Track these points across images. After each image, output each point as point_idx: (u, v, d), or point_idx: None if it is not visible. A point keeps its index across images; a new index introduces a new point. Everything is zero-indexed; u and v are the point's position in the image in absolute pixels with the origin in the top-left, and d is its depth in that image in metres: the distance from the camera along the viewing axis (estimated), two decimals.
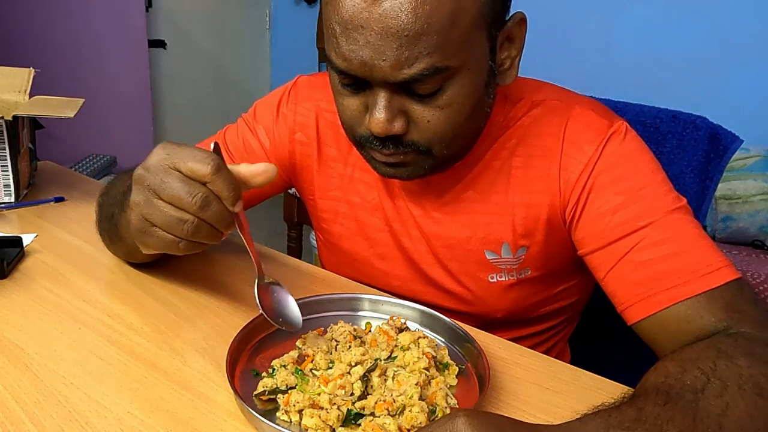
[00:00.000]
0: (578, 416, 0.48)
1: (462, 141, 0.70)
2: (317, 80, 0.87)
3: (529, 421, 0.57)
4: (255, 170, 0.62)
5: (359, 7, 0.58)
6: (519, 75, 0.71)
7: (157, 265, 0.85)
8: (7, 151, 1.08)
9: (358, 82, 0.64)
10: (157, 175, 0.58)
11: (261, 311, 0.63)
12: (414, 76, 0.60)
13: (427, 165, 0.69)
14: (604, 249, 0.69)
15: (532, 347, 0.73)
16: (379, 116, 0.63)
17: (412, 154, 0.67)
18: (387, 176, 0.72)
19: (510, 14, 0.67)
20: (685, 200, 0.69)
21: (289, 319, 0.65)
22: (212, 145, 0.62)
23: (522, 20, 0.67)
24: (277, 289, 0.67)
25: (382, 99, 0.63)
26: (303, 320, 0.71)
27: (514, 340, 0.73)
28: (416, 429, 0.51)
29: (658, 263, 0.65)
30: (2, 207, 1.07)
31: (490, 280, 0.79)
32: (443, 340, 0.68)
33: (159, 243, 0.60)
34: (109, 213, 0.78)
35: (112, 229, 0.77)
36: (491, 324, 0.80)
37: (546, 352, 0.84)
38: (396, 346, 0.63)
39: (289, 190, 0.94)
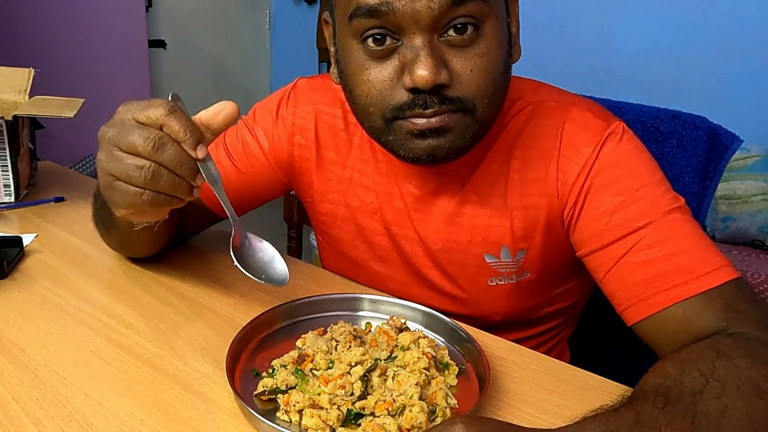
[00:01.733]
0: (577, 419, 0.48)
1: (498, 99, 0.67)
2: (317, 83, 0.87)
3: (529, 421, 0.57)
4: (213, 110, 0.61)
5: None
6: (518, 75, 0.71)
7: (157, 264, 0.85)
8: (7, 151, 1.08)
9: (390, 33, 0.62)
10: (116, 127, 0.58)
11: (235, 262, 0.61)
12: None
13: (469, 132, 0.65)
14: (602, 250, 0.69)
15: (531, 348, 0.73)
16: (425, 65, 0.59)
17: (456, 115, 0.64)
18: (424, 155, 0.66)
19: None
20: (683, 200, 0.69)
21: (273, 276, 0.63)
22: (170, 95, 0.61)
23: None
24: (259, 243, 0.65)
25: (424, 47, 0.60)
26: (302, 320, 0.71)
27: (513, 342, 0.73)
28: None
29: (656, 264, 0.65)
30: (2, 207, 1.07)
31: (490, 284, 0.79)
32: (443, 340, 0.68)
33: (124, 198, 0.58)
34: (102, 203, 0.78)
35: (105, 215, 0.78)
36: (490, 327, 0.80)
37: (545, 353, 0.84)
38: (396, 346, 0.63)
39: (290, 191, 0.94)
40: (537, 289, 0.80)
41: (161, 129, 0.57)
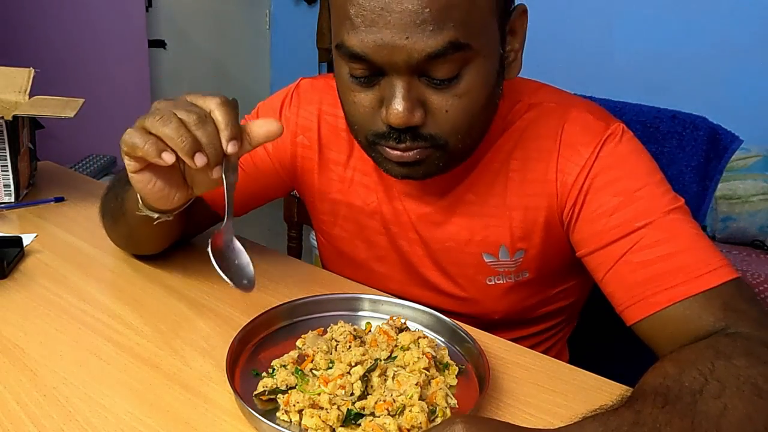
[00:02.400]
0: (577, 419, 0.48)
1: (475, 134, 0.68)
2: (319, 83, 0.87)
3: (529, 421, 0.57)
4: (259, 122, 0.63)
5: None
6: (518, 76, 0.71)
7: (157, 264, 0.85)
8: (7, 151, 1.08)
9: (372, 73, 0.62)
10: (170, 101, 0.62)
11: (211, 258, 0.61)
12: (438, 50, 0.58)
13: (441, 162, 0.67)
14: (602, 250, 0.69)
15: (531, 348, 0.73)
16: (398, 107, 0.61)
17: (428, 150, 0.65)
18: (400, 177, 0.69)
19: (513, 6, 0.67)
20: (682, 200, 0.69)
21: (242, 281, 0.63)
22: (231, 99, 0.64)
23: (524, 12, 0.67)
24: (240, 247, 0.66)
25: (400, 88, 0.61)
26: (302, 320, 0.71)
27: (513, 341, 0.73)
28: None
29: (656, 264, 0.65)
30: (2, 207, 1.07)
31: (488, 283, 0.79)
32: (443, 340, 0.69)
33: (150, 148, 0.59)
34: (115, 192, 0.80)
35: (117, 207, 0.79)
36: (489, 325, 0.80)
37: (544, 353, 0.84)
38: (396, 346, 0.63)
39: (292, 192, 0.94)
40: (535, 289, 0.80)
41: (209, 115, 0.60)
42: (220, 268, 0.61)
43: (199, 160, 0.59)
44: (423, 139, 0.64)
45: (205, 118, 0.59)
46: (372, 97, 0.64)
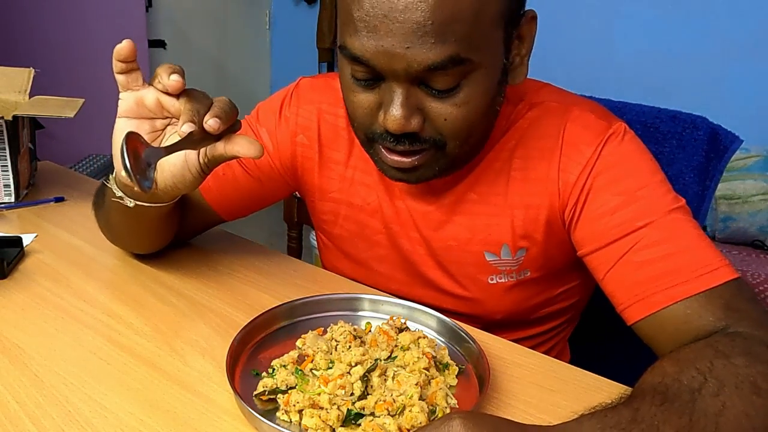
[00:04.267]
0: (575, 416, 0.48)
1: (474, 140, 0.69)
2: (319, 82, 0.87)
3: (528, 421, 0.57)
4: (246, 140, 0.64)
5: None
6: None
7: (157, 264, 0.85)
8: (7, 151, 1.08)
9: (372, 76, 0.63)
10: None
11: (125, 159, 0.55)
12: (437, 63, 0.58)
13: (438, 166, 0.68)
14: (602, 249, 0.69)
15: (532, 348, 0.73)
16: (396, 113, 0.61)
17: (426, 153, 0.66)
18: (395, 180, 0.71)
19: (523, 11, 0.66)
20: (683, 201, 0.69)
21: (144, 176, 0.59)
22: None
23: (533, 18, 0.67)
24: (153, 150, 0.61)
25: (399, 95, 0.61)
26: (302, 320, 0.71)
27: (514, 341, 0.73)
28: (414, 430, 0.51)
29: (656, 263, 0.65)
30: (2, 207, 1.07)
31: (490, 282, 0.79)
32: (443, 340, 0.69)
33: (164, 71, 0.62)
34: (102, 187, 0.81)
35: (99, 200, 0.82)
36: (491, 326, 0.80)
37: (546, 353, 0.84)
38: (396, 346, 0.63)
39: (295, 192, 0.94)
40: (537, 288, 0.80)
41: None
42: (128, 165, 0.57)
43: (175, 79, 0.61)
44: (421, 142, 0.65)
45: (205, 95, 0.63)
46: (372, 99, 0.65)
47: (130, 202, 0.70)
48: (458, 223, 0.78)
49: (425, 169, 0.68)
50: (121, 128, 0.65)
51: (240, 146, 0.64)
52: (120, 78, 0.64)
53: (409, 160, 0.66)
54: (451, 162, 0.69)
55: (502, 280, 0.78)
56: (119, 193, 0.70)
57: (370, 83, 0.64)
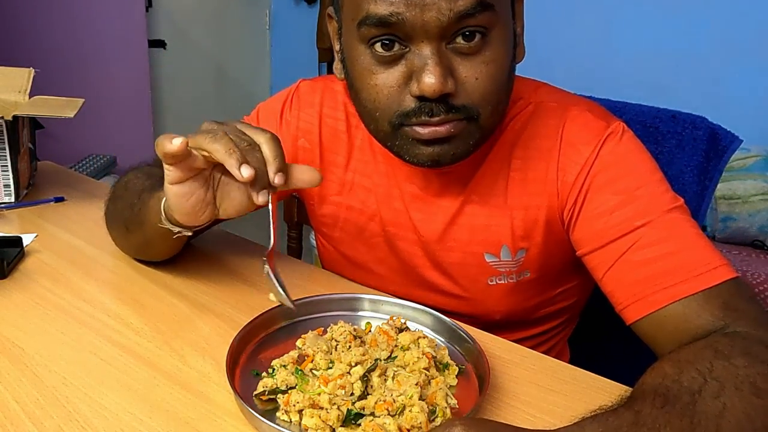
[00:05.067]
0: (576, 419, 0.48)
1: (502, 107, 0.69)
2: (318, 85, 0.87)
3: (529, 422, 0.57)
4: (303, 167, 0.64)
5: None
6: (518, 75, 0.71)
7: (157, 264, 0.85)
8: (7, 151, 1.08)
9: (397, 42, 0.62)
10: (220, 123, 0.62)
11: (272, 278, 0.62)
12: (468, 8, 0.59)
13: (473, 139, 0.67)
14: (601, 249, 0.69)
15: (532, 348, 0.73)
16: (432, 73, 0.60)
17: (461, 123, 0.65)
18: (429, 161, 0.67)
19: None
20: (682, 200, 0.69)
21: (289, 297, 0.64)
22: None
23: None
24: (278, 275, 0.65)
25: (432, 55, 0.61)
26: (303, 320, 0.71)
27: (513, 341, 0.73)
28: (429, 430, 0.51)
29: (655, 262, 0.65)
30: (2, 207, 1.07)
31: (490, 283, 0.79)
32: (443, 340, 0.69)
33: (205, 140, 0.59)
34: (129, 202, 0.78)
35: (132, 217, 0.77)
36: (490, 326, 0.80)
37: (545, 353, 0.84)
38: (396, 346, 0.63)
39: (294, 194, 0.94)
40: (537, 289, 0.80)
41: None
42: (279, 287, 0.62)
43: (246, 171, 0.57)
44: (456, 111, 0.64)
45: (254, 145, 0.60)
46: (397, 74, 0.64)
47: (175, 229, 0.70)
48: (458, 224, 0.78)
49: (460, 142, 0.66)
50: (178, 193, 0.64)
51: (302, 175, 0.64)
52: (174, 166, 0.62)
53: (446, 127, 0.64)
54: (484, 133, 0.68)
55: (502, 282, 0.78)
56: (168, 225, 0.69)
57: (394, 57, 0.63)
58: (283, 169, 0.61)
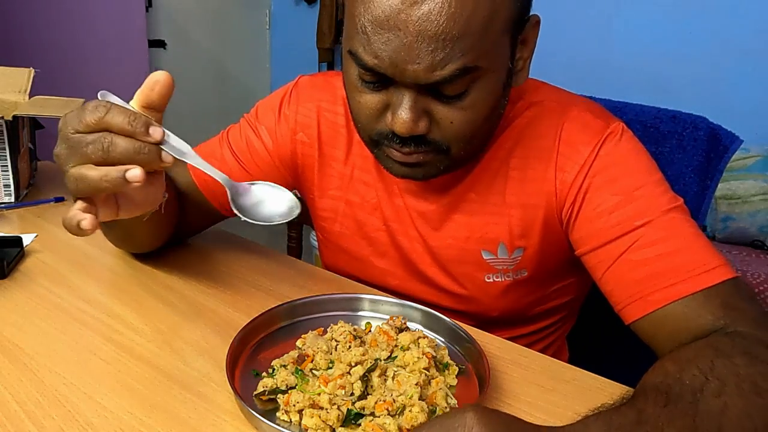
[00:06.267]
0: (579, 418, 0.48)
1: (478, 141, 0.70)
2: (318, 80, 0.87)
3: (528, 421, 0.57)
4: (146, 87, 0.58)
5: (396, 8, 0.57)
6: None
7: (157, 264, 0.85)
8: (7, 151, 1.08)
9: (381, 80, 0.63)
10: (63, 145, 0.58)
11: (237, 213, 0.60)
12: (446, 77, 0.59)
13: (443, 165, 0.69)
14: (600, 249, 0.69)
15: (529, 345, 0.73)
16: (405, 116, 0.62)
17: (430, 154, 0.67)
18: (401, 176, 0.71)
19: (528, 16, 0.67)
20: (681, 200, 0.69)
21: (258, 216, 0.61)
22: (98, 94, 0.60)
23: (537, 23, 0.67)
24: (248, 189, 0.62)
25: (408, 100, 0.62)
26: (302, 320, 0.71)
27: (511, 338, 0.73)
28: (427, 421, 0.51)
29: (654, 262, 0.65)
30: (2, 207, 1.07)
31: (486, 280, 0.79)
32: (443, 340, 0.69)
33: (76, 191, 0.57)
34: None
35: None
36: (487, 323, 0.80)
37: (543, 350, 0.84)
38: (396, 346, 0.63)
39: (294, 190, 0.94)
40: (533, 287, 0.81)
41: (106, 130, 0.55)
42: (241, 213, 0.60)
43: (134, 174, 0.54)
44: (426, 144, 0.66)
45: (107, 141, 0.54)
46: (378, 100, 0.65)
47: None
48: (456, 221, 0.78)
49: (430, 167, 0.69)
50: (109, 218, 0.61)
51: (155, 94, 0.59)
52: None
53: (414, 157, 0.67)
54: (455, 162, 0.70)
55: (499, 279, 0.79)
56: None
57: (378, 86, 0.64)
58: (146, 122, 0.55)
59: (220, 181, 0.61)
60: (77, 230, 0.55)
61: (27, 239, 0.91)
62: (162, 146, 0.57)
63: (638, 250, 0.66)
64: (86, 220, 0.55)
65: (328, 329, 0.67)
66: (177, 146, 0.58)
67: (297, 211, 0.62)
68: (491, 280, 0.79)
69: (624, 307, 0.67)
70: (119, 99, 0.59)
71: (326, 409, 0.54)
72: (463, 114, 0.63)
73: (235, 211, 0.61)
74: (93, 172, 0.55)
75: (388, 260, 0.85)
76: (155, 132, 0.56)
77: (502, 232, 0.76)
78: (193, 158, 0.59)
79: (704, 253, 0.65)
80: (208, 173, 0.60)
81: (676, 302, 0.63)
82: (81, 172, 0.56)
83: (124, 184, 0.55)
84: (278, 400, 0.56)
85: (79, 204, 0.56)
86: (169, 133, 0.58)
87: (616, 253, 0.67)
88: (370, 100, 0.66)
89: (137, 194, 0.62)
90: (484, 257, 0.78)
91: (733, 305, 0.62)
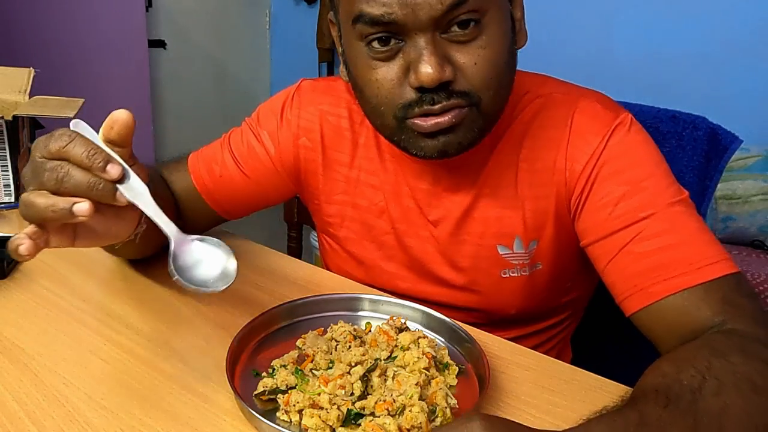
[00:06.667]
0: (581, 421, 0.48)
1: (504, 91, 0.68)
2: (320, 84, 0.87)
3: (529, 422, 0.57)
4: (106, 126, 0.56)
5: None
6: (523, 69, 0.71)
7: (157, 264, 0.85)
8: (7, 151, 1.08)
9: (392, 38, 0.63)
10: (30, 166, 0.56)
11: (175, 276, 0.57)
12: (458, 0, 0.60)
13: (477, 126, 0.66)
14: (605, 239, 0.69)
15: (535, 346, 0.73)
16: (428, 62, 0.61)
17: (463, 110, 0.64)
18: (435, 153, 0.67)
19: None
20: (687, 193, 0.69)
21: (205, 277, 0.58)
22: (71, 123, 0.58)
23: None
24: (203, 243, 0.59)
25: (426, 46, 0.61)
26: (302, 320, 0.71)
27: (519, 337, 0.73)
28: (434, 428, 0.51)
29: (656, 254, 0.65)
30: (2, 207, 1.07)
31: (503, 276, 0.79)
32: (443, 340, 0.68)
33: (31, 218, 0.55)
34: None
35: None
36: (499, 321, 0.80)
37: (548, 351, 0.84)
38: (396, 346, 0.63)
39: (296, 195, 0.94)
40: (548, 282, 0.80)
41: (66, 159, 0.53)
42: (182, 278, 0.57)
43: (81, 208, 0.52)
44: (457, 97, 0.63)
45: (62, 172, 0.53)
46: (396, 68, 0.64)
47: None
48: (471, 218, 0.78)
49: (465, 130, 0.66)
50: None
51: (113, 133, 0.56)
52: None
53: (448, 117, 0.64)
54: (487, 119, 0.67)
55: (515, 275, 0.78)
56: None
57: (391, 52, 0.64)
58: (106, 158, 0.53)
59: (167, 233, 0.58)
60: (15, 254, 0.54)
61: None
62: (119, 185, 0.54)
63: (641, 242, 0.66)
64: (24, 246, 0.53)
65: (328, 329, 0.67)
66: (136, 187, 0.55)
67: (231, 280, 0.58)
68: (507, 275, 0.78)
69: (625, 298, 0.67)
70: (91, 130, 0.57)
71: (326, 409, 0.54)
72: (483, 53, 0.63)
73: (172, 270, 0.58)
74: (41, 200, 0.53)
75: (397, 263, 0.84)
76: (113, 169, 0.53)
77: (517, 225, 0.76)
78: (146, 205, 0.56)
79: (706, 247, 0.65)
80: (158, 224, 0.57)
81: (676, 295, 0.63)
82: (30, 198, 0.54)
83: (71, 217, 0.53)
84: (278, 400, 0.56)
85: (30, 228, 0.55)
86: (131, 172, 0.55)
87: (619, 245, 0.67)
88: (387, 72, 0.64)
89: (98, 226, 0.58)
90: (500, 252, 0.78)
91: (733, 301, 0.62)
